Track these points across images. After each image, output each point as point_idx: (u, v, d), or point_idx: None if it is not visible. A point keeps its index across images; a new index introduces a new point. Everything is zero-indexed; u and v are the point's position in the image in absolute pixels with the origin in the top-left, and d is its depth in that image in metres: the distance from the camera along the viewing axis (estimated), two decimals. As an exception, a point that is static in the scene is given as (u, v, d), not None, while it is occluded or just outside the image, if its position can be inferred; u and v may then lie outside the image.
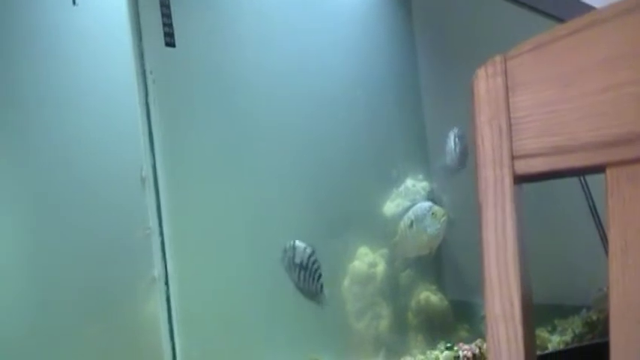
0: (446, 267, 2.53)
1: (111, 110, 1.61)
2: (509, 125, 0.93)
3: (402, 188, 2.39)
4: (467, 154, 2.35)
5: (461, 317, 2.47)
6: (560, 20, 2.63)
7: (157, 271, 1.59)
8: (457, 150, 2.38)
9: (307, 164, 2.05)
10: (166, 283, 1.60)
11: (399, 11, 2.49)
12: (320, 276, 1.89)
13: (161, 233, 1.59)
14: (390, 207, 2.35)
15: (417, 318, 2.40)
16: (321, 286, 1.89)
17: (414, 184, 2.40)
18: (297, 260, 1.88)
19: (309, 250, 1.88)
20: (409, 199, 2.34)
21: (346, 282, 2.22)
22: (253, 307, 1.86)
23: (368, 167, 2.29)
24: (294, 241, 1.88)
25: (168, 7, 1.59)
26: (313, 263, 1.88)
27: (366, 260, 2.24)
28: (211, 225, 1.73)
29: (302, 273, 1.87)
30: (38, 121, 1.68)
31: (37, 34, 1.66)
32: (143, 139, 1.57)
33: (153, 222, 1.59)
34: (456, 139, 2.38)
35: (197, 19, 1.71)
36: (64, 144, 1.65)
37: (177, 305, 1.62)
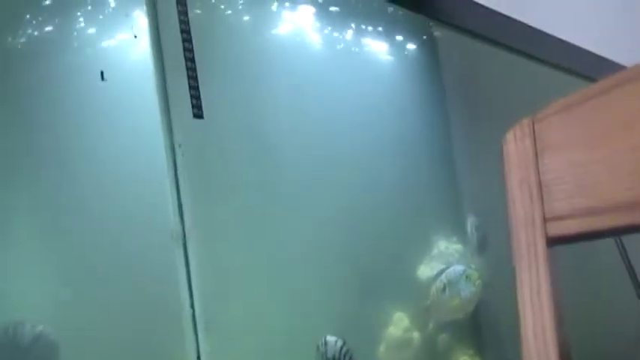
0: (484, 330, 2.49)
1: (140, 183, 1.63)
2: (540, 187, 0.92)
3: (435, 251, 2.37)
4: (485, 243, 2.35)
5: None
6: (592, 80, 2.63)
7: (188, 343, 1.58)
8: (475, 240, 2.37)
9: (340, 228, 2.04)
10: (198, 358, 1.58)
11: (428, 71, 2.50)
12: None
13: (192, 305, 1.58)
14: (425, 270, 2.32)
15: (455, 383, 2.36)
16: None
17: (447, 247, 2.38)
18: (330, 355, 1.87)
19: (340, 343, 1.87)
20: (443, 261, 2.32)
21: (382, 348, 2.18)
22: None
23: (401, 230, 2.27)
24: (325, 337, 1.87)
25: (195, 79, 1.60)
26: (345, 355, 1.87)
27: (402, 325, 2.21)
28: (242, 300, 1.72)
29: None
30: (70, 191, 1.72)
31: (67, 109, 1.70)
32: (172, 212, 1.57)
33: (184, 296, 1.58)
34: (473, 230, 2.37)
35: (225, 88, 1.72)
36: (97, 210, 1.68)
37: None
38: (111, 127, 1.66)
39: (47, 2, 1.74)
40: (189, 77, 1.60)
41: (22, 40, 1.75)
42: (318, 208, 1.96)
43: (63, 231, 1.74)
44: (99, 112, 1.67)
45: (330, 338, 1.87)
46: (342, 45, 2.20)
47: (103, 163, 1.68)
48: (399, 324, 2.21)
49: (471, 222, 2.37)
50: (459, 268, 2.23)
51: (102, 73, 1.63)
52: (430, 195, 2.44)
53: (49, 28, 1.73)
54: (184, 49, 1.60)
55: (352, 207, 2.10)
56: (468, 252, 2.38)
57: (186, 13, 1.61)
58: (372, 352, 2.14)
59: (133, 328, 1.66)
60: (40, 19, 1.71)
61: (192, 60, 1.61)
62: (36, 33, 1.73)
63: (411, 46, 2.42)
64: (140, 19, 1.63)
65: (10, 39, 1.77)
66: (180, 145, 1.59)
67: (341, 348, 1.87)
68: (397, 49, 2.38)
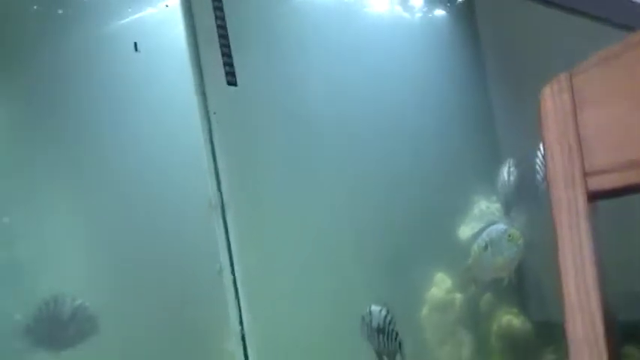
0: (528, 289, 2.47)
1: (177, 152, 1.63)
2: (579, 142, 0.90)
3: (475, 211, 2.35)
4: (525, 185, 2.31)
5: (547, 339, 2.40)
6: (631, 29, 2.56)
7: (231, 310, 1.58)
8: (511, 180, 2.33)
9: (378, 192, 2.03)
10: (240, 323, 1.59)
11: (466, 28, 2.46)
12: (397, 334, 1.87)
13: (233, 272, 1.58)
14: (465, 230, 2.31)
15: (499, 343, 2.35)
16: (400, 344, 1.88)
17: (488, 206, 2.35)
18: (375, 324, 1.87)
19: (384, 312, 1.87)
20: (483, 221, 2.30)
21: (425, 310, 2.18)
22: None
23: (441, 191, 2.25)
24: (370, 307, 1.87)
25: (228, 46, 1.59)
26: (389, 323, 1.87)
27: (444, 286, 2.20)
28: (281, 262, 1.72)
29: (381, 337, 1.86)
30: (107, 163, 1.74)
31: (103, 79, 1.72)
32: (210, 180, 1.57)
33: (223, 258, 1.59)
34: (511, 169, 2.33)
35: (259, 56, 1.71)
36: (135, 181, 1.70)
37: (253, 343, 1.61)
38: (145, 98, 1.66)
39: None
40: (221, 45, 1.59)
41: (60, 11, 1.76)
42: (355, 174, 1.95)
43: (101, 203, 1.76)
44: (133, 82, 1.67)
45: (375, 307, 1.87)
46: (378, 8, 2.17)
47: (138, 133, 1.68)
48: (440, 285, 2.21)
49: (508, 163, 2.33)
50: (500, 227, 2.21)
51: (135, 44, 1.63)
52: (469, 154, 2.41)
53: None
54: (216, 17, 1.59)
55: (391, 170, 2.08)
56: (508, 208, 2.35)
57: (215, -21, 1.60)
58: (415, 315, 2.13)
59: (173, 299, 1.68)
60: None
61: (224, 27, 1.60)
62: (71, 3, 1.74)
63: (448, 5, 2.39)
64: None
65: (44, 10, 1.78)
66: (215, 113, 1.58)
67: (385, 317, 1.87)
68: (434, 7, 2.34)
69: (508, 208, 2.35)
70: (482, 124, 2.51)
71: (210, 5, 1.59)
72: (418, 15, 2.31)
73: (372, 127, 2.03)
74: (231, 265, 1.58)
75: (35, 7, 1.75)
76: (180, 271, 1.65)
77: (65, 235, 1.85)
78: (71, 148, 1.77)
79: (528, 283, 2.45)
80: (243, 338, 1.58)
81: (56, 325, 1.86)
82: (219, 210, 1.57)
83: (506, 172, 2.36)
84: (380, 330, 1.88)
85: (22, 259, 1.93)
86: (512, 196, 2.34)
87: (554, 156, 0.93)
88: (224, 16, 1.60)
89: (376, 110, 2.05)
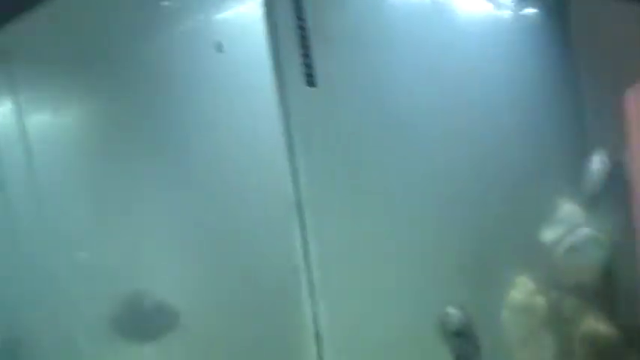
0: (616, 292, 2.42)
1: (256, 153, 1.65)
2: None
3: (560, 214, 2.30)
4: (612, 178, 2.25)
5: (636, 344, 2.35)
6: None
7: (306, 309, 1.60)
8: (599, 174, 2.28)
9: (464, 191, 2.00)
10: (315, 321, 1.60)
11: (557, 29, 2.41)
12: (477, 338, 1.87)
13: (309, 270, 1.59)
14: (549, 233, 2.27)
15: (583, 347, 2.30)
16: (479, 349, 1.87)
17: (573, 209, 2.31)
18: (453, 327, 1.86)
19: (462, 316, 1.87)
20: (568, 224, 2.25)
21: (505, 313, 2.15)
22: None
23: (526, 193, 2.21)
24: (447, 310, 1.87)
25: (307, 47, 1.60)
26: (468, 327, 1.87)
27: (525, 290, 2.17)
28: (359, 262, 1.72)
29: (460, 340, 1.86)
30: (190, 163, 1.80)
31: (188, 78, 1.76)
32: (289, 181, 1.58)
33: (300, 257, 1.60)
34: (599, 169, 2.28)
35: (341, 55, 1.71)
36: (216, 181, 1.75)
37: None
38: (226, 97, 1.68)
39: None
40: (301, 46, 1.60)
41: (145, 11, 1.81)
42: (439, 174, 1.93)
43: (184, 204, 1.80)
44: (215, 82, 1.70)
45: (452, 311, 1.86)
46: (468, 5, 2.13)
47: (219, 134, 1.71)
48: (521, 288, 2.17)
49: (599, 156, 2.28)
50: (585, 230, 2.17)
51: (219, 44, 1.66)
52: (557, 155, 2.37)
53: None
54: (297, 17, 1.60)
55: (477, 170, 2.05)
56: (594, 210, 2.30)
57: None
58: (494, 318, 2.11)
59: (250, 296, 1.70)
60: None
61: (305, 28, 1.60)
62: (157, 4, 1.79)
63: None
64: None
65: (134, 11, 1.84)
66: (294, 114, 1.59)
67: (464, 320, 1.85)
68: (526, 4, 2.31)
69: (594, 209, 2.30)
70: (571, 125, 2.45)
71: (291, 6, 1.60)
72: (509, 12, 2.27)
73: (458, 126, 2.00)
74: (307, 264, 1.59)
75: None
76: (258, 269, 1.68)
77: (149, 231, 1.91)
78: (158, 149, 1.82)
79: (616, 286, 2.39)
80: (318, 337, 1.59)
81: (139, 321, 1.92)
82: (296, 209, 1.58)
83: (594, 173, 2.31)
84: (459, 333, 1.87)
85: (113, 257, 2.00)
86: (599, 196, 2.29)
87: (638, 158, 0.90)
88: (305, 17, 1.61)
89: (464, 109, 2.02)
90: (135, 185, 1.92)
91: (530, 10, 2.33)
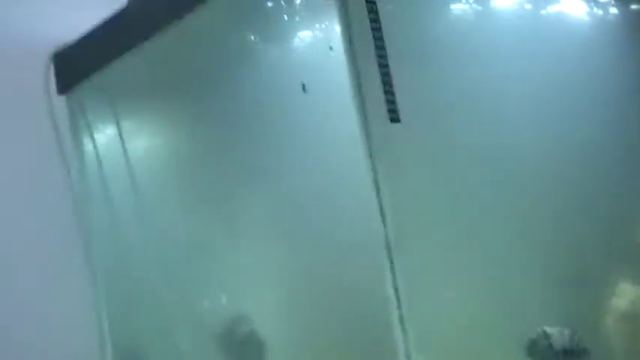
0: None
1: (344, 191, 1.67)
2: None
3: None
4: None
5: None
6: None
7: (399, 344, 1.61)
8: None
9: (553, 205, 1.97)
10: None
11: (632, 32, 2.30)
12: (587, 352, 1.81)
13: (399, 307, 1.61)
14: (650, 237, 2.19)
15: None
16: None
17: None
18: (558, 347, 1.79)
19: (567, 332, 1.80)
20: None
21: (609, 322, 2.10)
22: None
23: (627, 197, 2.15)
24: (543, 329, 1.80)
25: (390, 84, 1.60)
26: (577, 343, 1.80)
27: (629, 298, 2.11)
28: (449, 293, 1.72)
29: (568, 358, 1.79)
30: (285, 199, 1.86)
31: (274, 116, 1.80)
32: (376, 219, 1.59)
33: (390, 293, 1.62)
34: None
35: (423, 90, 1.70)
36: (308, 218, 1.80)
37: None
38: (312, 136, 1.72)
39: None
40: (383, 83, 1.60)
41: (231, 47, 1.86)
42: (527, 193, 1.90)
43: (281, 236, 1.85)
44: (299, 121, 1.73)
45: (551, 330, 1.80)
46: (541, 19, 2.07)
47: (306, 172, 1.75)
48: (624, 295, 2.12)
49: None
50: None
51: (303, 85, 1.68)
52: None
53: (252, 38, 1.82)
54: (377, 55, 1.60)
55: (569, 179, 2.01)
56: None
57: (376, 17, 1.60)
58: (597, 330, 2.06)
59: (339, 333, 1.74)
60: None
61: (386, 66, 1.60)
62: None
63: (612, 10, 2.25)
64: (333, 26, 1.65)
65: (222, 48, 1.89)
66: (379, 151, 1.60)
67: (570, 336, 1.81)
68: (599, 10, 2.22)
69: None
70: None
71: (372, 44, 1.60)
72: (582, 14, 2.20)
73: (549, 139, 1.96)
74: (398, 300, 1.61)
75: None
76: (346, 307, 1.71)
77: (249, 260, 1.97)
78: (249, 183, 1.88)
79: None
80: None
81: (233, 346, 2.00)
82: (385, 246, 1.60)
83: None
84: (566, 352, 1.81)
85: (216, 278, 2.09)
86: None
87: None
88: (386, 54, 1.61)
89: (553, 122, 1.98)
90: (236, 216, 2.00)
91: (623, 17, 2.23)
